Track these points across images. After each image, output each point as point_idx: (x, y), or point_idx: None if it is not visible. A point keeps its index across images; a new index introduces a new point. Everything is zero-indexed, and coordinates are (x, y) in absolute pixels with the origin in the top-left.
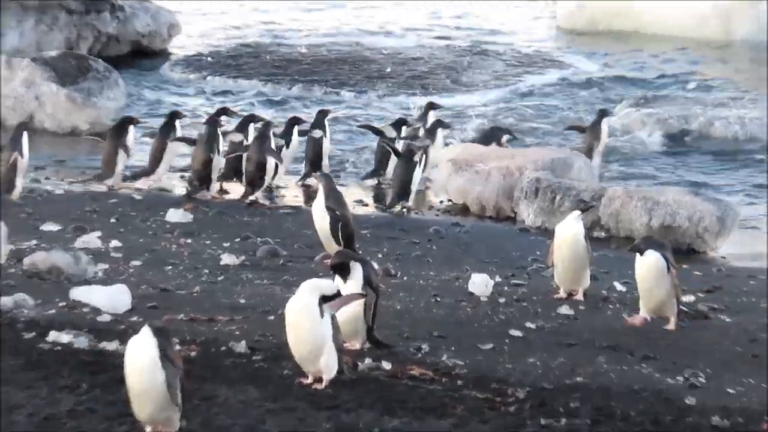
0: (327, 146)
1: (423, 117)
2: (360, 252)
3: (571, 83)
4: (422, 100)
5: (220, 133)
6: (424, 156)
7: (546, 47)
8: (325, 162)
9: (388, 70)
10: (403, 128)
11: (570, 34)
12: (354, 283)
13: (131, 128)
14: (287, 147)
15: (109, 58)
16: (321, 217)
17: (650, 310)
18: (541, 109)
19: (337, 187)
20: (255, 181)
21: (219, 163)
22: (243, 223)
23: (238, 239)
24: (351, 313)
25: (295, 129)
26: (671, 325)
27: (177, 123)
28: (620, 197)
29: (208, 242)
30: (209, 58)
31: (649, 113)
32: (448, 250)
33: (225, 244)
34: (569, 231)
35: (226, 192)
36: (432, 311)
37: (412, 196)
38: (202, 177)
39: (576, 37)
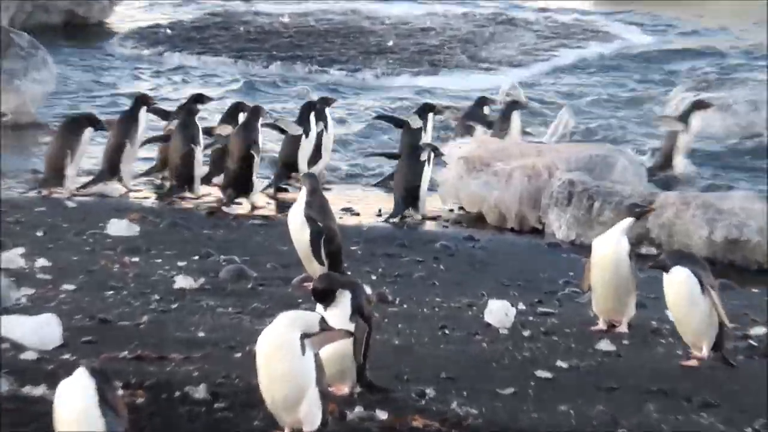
0: (329, 142)
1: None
2: (349, 273)
3: (616, 58)
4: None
5: (198, 122)
6: (432, 154)
7: (586, 17)
8: (321, 167)
9: (390, 43)
10: (430, 115)
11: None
12: (341, 314)
13: (88, 129)
14: (306, 136)
15: (35, 30)
16: (299, 230)
17: (692, 344)
18: (576, 93)
19: (323, 192)
20: (234, 181)
21: (200, 158)
22: (202, 236)
23: (197, 257)
24: (337, 350)
25: (312, 116)
26: (702, 353)
27: (142, 113)
28: (674, 204)
29: (159, 261)
30: (168, 30)
31: (710, 98)
32: (459, 271)
33: (180, 264)
34: (611, 247)
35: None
36: (439, 347)
37: (421, 202)
38: (182, 175)
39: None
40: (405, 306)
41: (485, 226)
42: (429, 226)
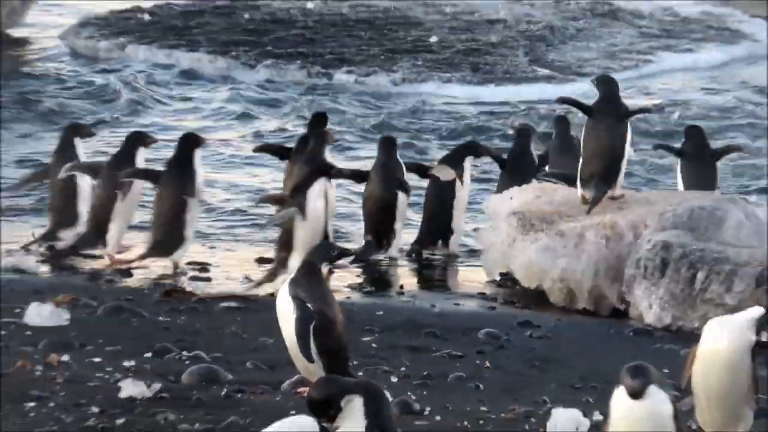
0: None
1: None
2: (359, 374)
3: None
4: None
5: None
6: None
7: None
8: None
9: (434, 39)
10: (467, 162)
11: None
12: (351, 429)
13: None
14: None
15: None
16: (286, 315)
17: None
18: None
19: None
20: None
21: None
22: (156, 324)
23: (150, 354)
24: None
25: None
26: None
27: (140, 153)
28: None
29: (98, 360)
30: (146, 16)
31: None
32: (511, 369)
33: (126, 363)
34: (729, 342)
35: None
36: None
37: (455, 236)
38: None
39: None
40: (438, 418)
41: (548, 307)
42: (470, 306)
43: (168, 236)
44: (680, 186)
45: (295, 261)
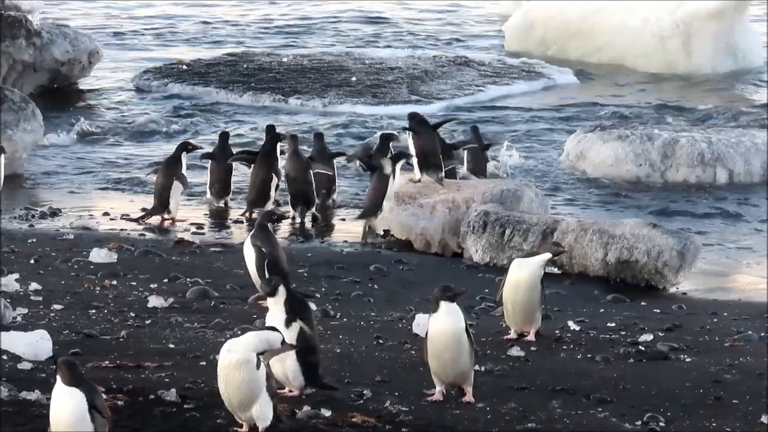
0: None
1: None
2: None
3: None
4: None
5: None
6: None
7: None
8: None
9: (354, 79)
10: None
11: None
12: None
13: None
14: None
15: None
16: (249, 256)
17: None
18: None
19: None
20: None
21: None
22: (171, 262)
23: (166, 280)
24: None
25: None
26: (468, 397)
27: (184, 156)
28: (574, 230)
29: (134, 284)
30: (184, 66)
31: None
32: (391, 289)
33: (152, 286)
34: (527, 274)
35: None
36: (374, 355)
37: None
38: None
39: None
40: (345, 320)
41: (412, 251)
42: (364, 251)
43: (258, 198)
44: (465, 168)
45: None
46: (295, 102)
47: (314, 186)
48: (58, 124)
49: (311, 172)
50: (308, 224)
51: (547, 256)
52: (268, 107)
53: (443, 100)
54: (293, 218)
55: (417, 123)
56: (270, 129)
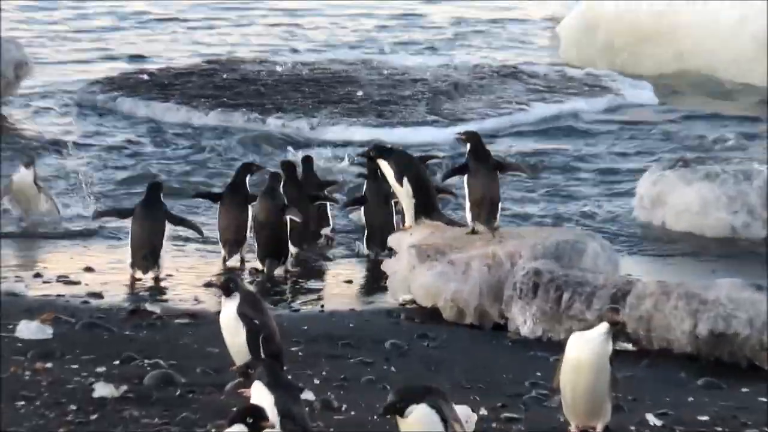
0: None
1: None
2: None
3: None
4: None
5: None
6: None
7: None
8: None
9: (359, 93)
10: None
11: None
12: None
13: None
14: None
15: None
16: (233, 330)
17: None
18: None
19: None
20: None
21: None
22: (123, 338)
23: (118, 362)
24: None
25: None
26: None
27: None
28: (653, 294)
29: (75, 367)
30: (145, 76)
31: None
32: (412, 372)
33: (99, 369)
34: (591, 349)
35: None
36: None
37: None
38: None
39: None
40: (353, 413)
41: (441, 322)
42: (378, 322)
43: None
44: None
45: None
46: (275, 122)
47: (288, 233)
48: None
49: (286, 216)
50: (280, 279)
51: (605, 326)
52: (237, 128)
53: (468, 121)
54: (258, 271)
55: (474, 158)
56: (245, 165)
